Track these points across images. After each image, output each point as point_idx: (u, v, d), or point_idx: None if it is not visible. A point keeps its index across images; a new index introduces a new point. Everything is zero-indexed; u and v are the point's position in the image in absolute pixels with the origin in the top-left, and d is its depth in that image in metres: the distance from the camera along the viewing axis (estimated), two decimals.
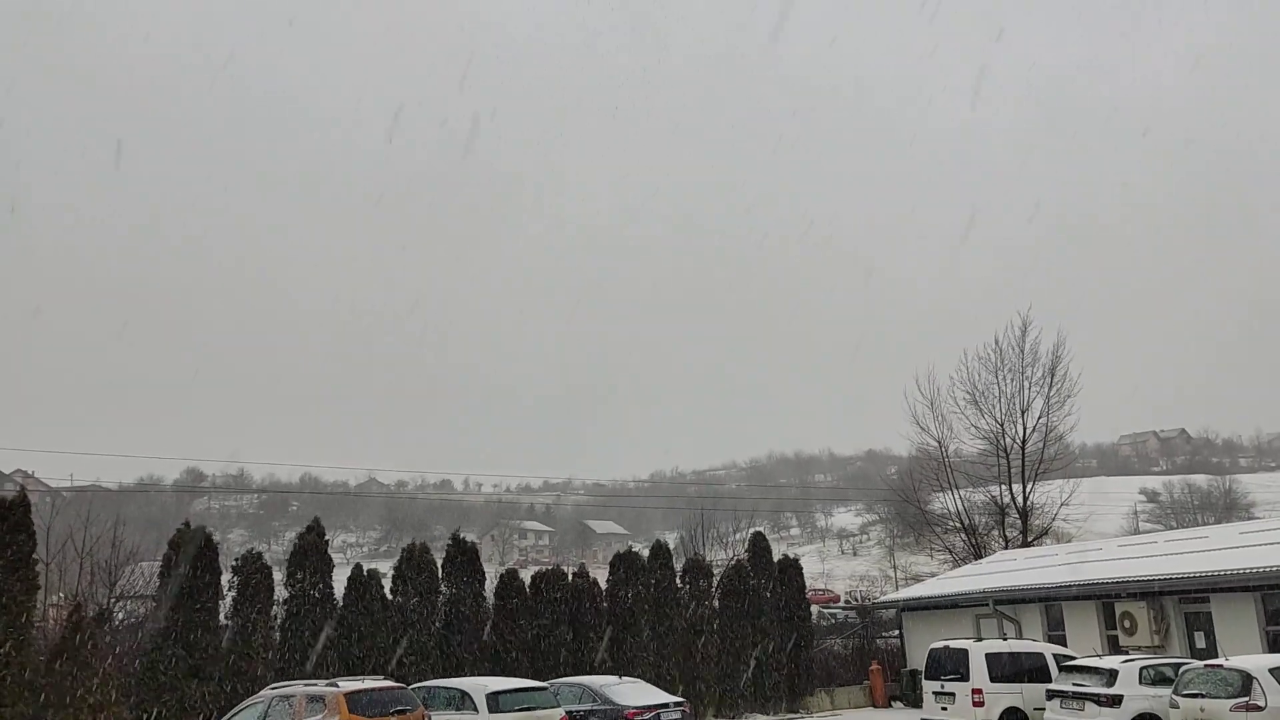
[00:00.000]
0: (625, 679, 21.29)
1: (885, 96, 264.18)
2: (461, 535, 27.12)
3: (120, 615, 25.01)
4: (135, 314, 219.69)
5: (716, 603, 29.08)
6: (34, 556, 18.68)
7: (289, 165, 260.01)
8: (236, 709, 17.23)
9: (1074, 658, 20.91)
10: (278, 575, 23.29)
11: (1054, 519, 40.38)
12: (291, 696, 16.14)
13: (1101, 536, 43.99)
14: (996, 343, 39.81)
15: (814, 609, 38.14)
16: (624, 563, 28.01)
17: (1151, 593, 23.19)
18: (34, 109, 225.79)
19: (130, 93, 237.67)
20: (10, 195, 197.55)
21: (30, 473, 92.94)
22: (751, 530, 37.86)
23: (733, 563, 31.87)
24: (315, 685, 16.41)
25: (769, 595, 29.87)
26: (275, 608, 22.76)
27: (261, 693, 17.39)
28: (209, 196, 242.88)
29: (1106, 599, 24.62)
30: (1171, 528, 71.12)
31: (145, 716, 19.99)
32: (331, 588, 23.51)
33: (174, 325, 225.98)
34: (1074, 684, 18.53)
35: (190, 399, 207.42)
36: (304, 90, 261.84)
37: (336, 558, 25.18)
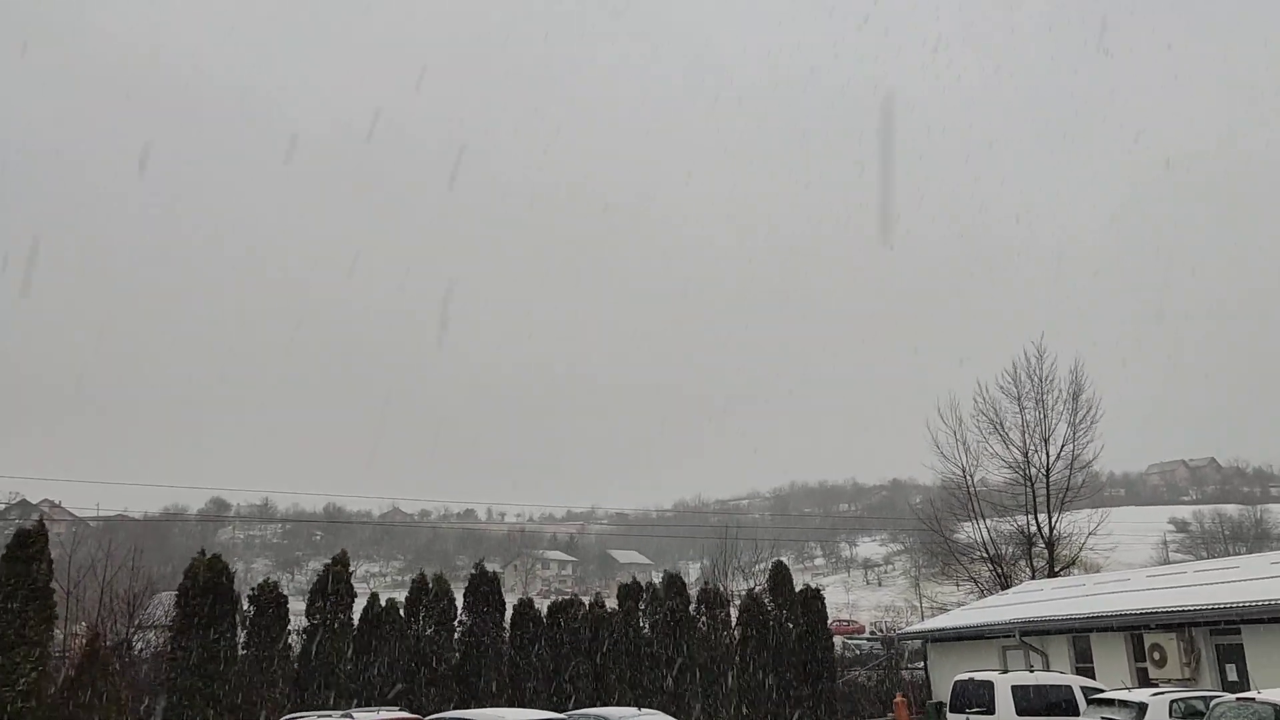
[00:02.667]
0: (645, 710, 20.97)
1: (915, 121, 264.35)
2: (486, 566, 27.02)
3: (139, 645, 25.06)
4: (163, 344, 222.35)
5: (737, 633, 28.77)
6: (51, 586, 18.80)
7: (312, 190, 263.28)
8: None
9: (1102, 690, 20.44)
10: (300, 605, 23.31)
11: (1081, 549, 39.78)
12: None
13: (1130, 567, 43.22)
14: (1014, 370, 39.50)
15: (838, 640, 37.68)
16: (632, 593, 27.76)
17: (1181, 624, 22.70)
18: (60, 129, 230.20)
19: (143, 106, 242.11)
20: (33, 222, 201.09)
21: (57, 502, 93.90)
22: (773, 560, 37.53)
23: (754, 592, 31.55)
24: (330, 715, 16.34)
25: (790, 626, 29.51)
26: (293, 637, 22.74)
27: None
28: (235, 225, 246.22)
29: (1135, 630, 24.13)
30: (1201, 558, 69.85)
31: None
32: (351, 618, 23.48)
33: (201, 355, 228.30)
34: (1102, 717, 18.09)
35: (216, 429, 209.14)
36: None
37: (360, 587, 25.22)
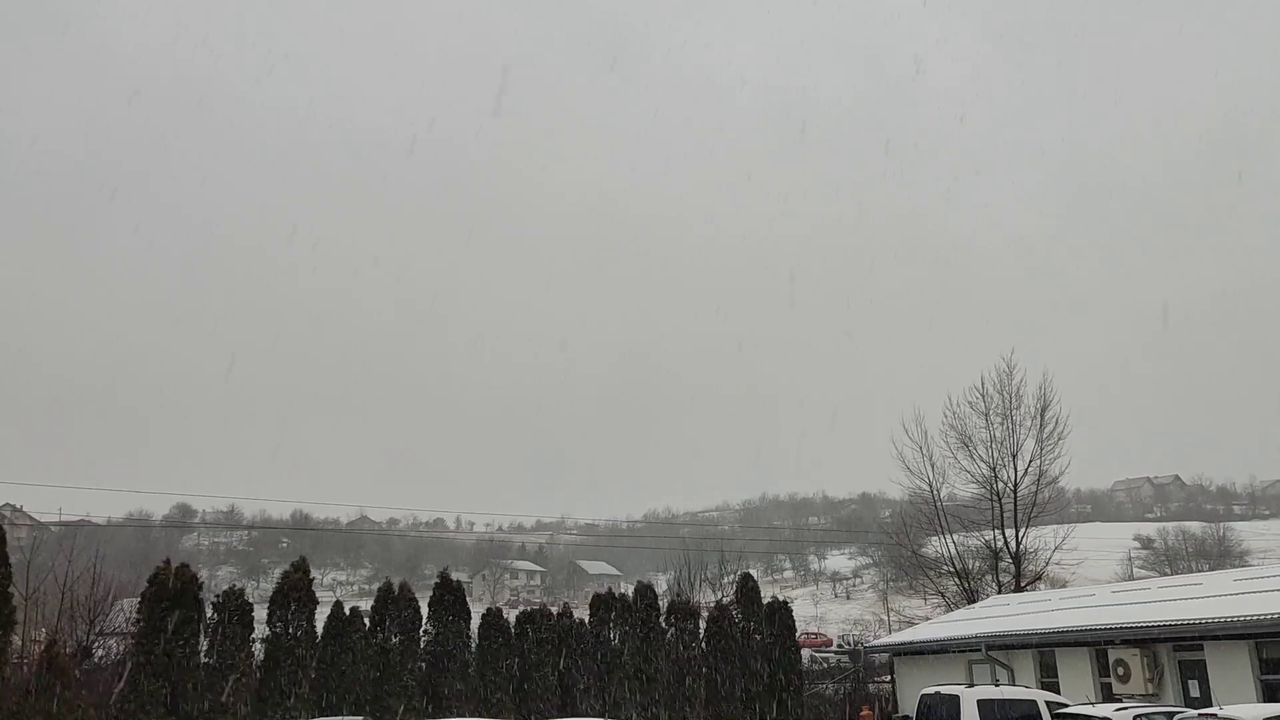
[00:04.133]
0: None
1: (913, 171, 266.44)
2: (451, 574, 26.84)
3: (100, 652, 24.63)
4: (130, 348, 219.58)
5: (704, 644, 28.74)
6: (10, 591, 18.37)
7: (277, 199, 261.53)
8: None
9: (1067, 705, 20.58)
10: (264, 612, 23.03)
11: (1047, 564, 40.10)
12: None
13: (1095, 582, 43.63)
14: (982, 385, 39.76)
15: (805, 652, 37.72)
16: (606, 603, 27.69)
17: (1145, 640, 22.91)
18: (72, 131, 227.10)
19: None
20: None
21: (19, 506, 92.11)
22: (741, 572, 37.54)
23: (723, 603, 31.53)
24: None
25: (758, 638, 29.52)
26: (256, 645, 22.46)
27: None
28: (201, 225, 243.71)
29: (1100, 646, 24.32)
30: (1165, 574, 70.60)
31: None
32: (314, 626, 23.24)
33: (168, 359, 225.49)
34: None
35: (183, 435, 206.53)
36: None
37: (326, 595, 24.97)
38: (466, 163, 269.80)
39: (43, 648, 20.16)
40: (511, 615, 26.95)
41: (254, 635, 22.49)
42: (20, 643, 23.22)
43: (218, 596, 22.79)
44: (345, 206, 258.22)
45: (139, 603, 21.48)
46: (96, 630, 25.25)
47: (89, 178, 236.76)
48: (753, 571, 36.27)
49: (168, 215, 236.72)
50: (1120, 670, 23.19)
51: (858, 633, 73.19)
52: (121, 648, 23.90)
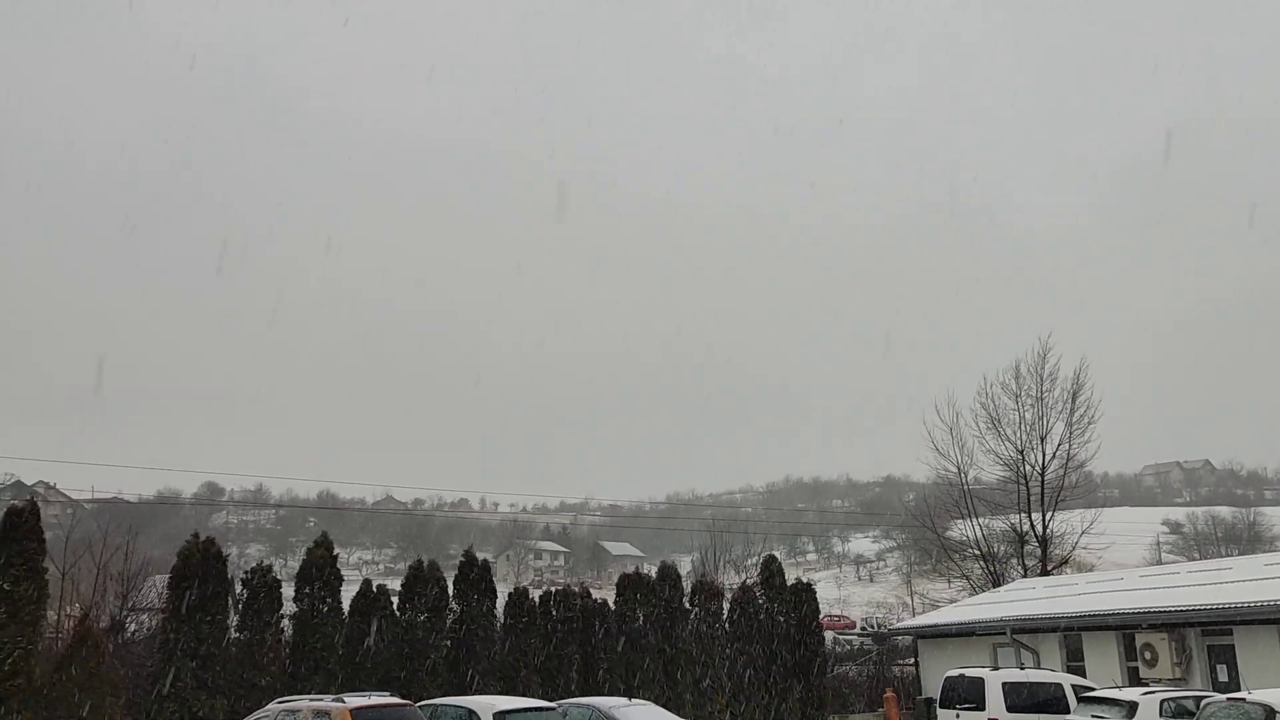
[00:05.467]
0: (635, 701, 21.03)
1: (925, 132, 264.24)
2: (476, 554, 26.99)
3: (132, 627, 25.02)
4: (162, 330, 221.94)
5: (728, 626, 28.81)
6: (44, 566, 18.65)
7: (301, 181, 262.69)
8: None
9: (1093, 689, 20.51)
10: (291, 590, 23.28)
11: (1074, 548, 39.88)
12: (297, 711, 16.05)
13: (1122, 567, 43.33)
14: (1016, 368, 39.57)
15: (829, 635, 37.72)
16: (632, 584, 27.80)
17: (1173, 624, 22.77)
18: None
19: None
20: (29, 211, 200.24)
21: (53, 484, 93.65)
22: (765, 554, 37.57)
23: (746, 585, 31.56)
24: (321, 700, 16.31)
25: (781, 619, 29.56)
26: (284, 621, 22.72)
27: (268, 706, 17.32)
28: (226, 212, 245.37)
29: (1127, 630, 24.19)
30: (1194, 559, 70.07)
31: None
32: (340, 603, 23.46)
33: (199, 341, 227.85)
34: (1093, 715, 18.13)
35: (212, 415, 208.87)
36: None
37: (352, 574, 25.18)
38: (498, 156, 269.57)
39: (77, 621, 20.48)
40: (536, 595, 27.09)
41: (282, 611, 22.73)
42: (56, 617, 23.64)
43: (246, 573, 23.04)
44: (373, 194, 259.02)
45: (169, 578, 21.75)
46: (129, 605, 25.65)
47: (137, 173, 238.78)
48: (776, 553, 36.21)
49: (201, 206, 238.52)
50: (1148, 654, 23.06)
51: (881, 615, 73.21)
52: (154, 622, 24.26)
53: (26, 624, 17.91)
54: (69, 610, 25.76)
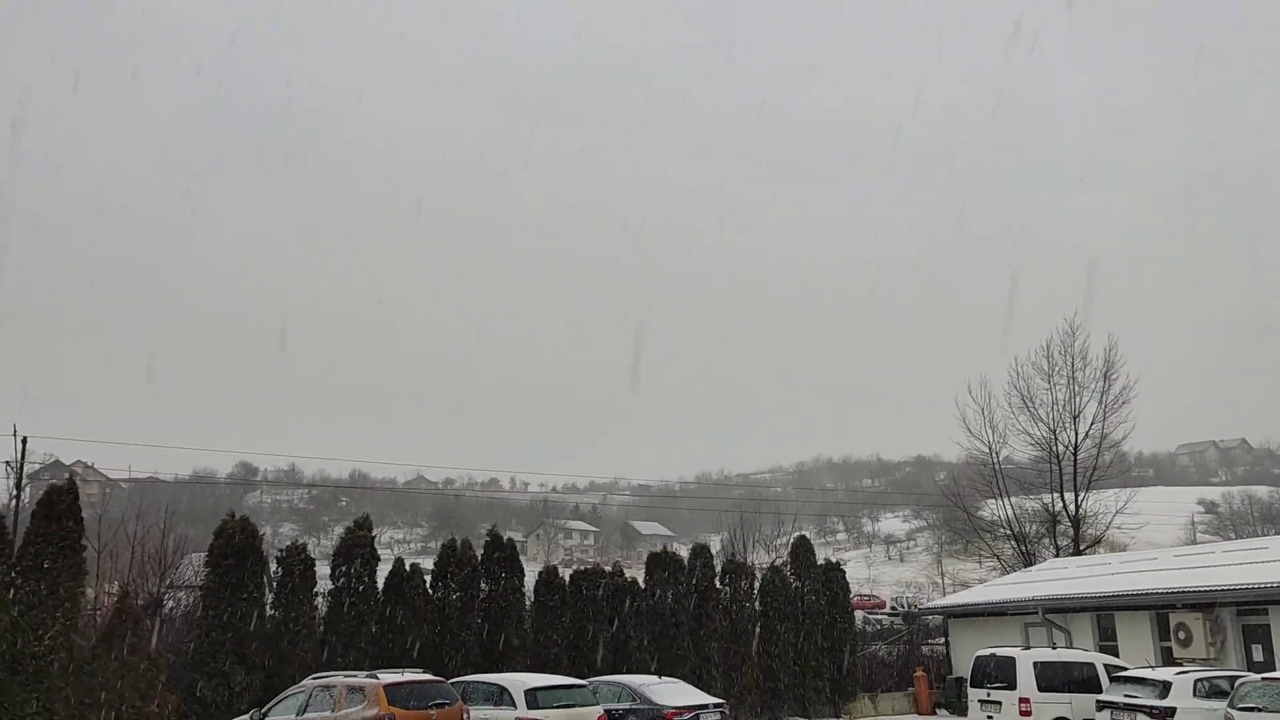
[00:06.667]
0: (665, 679, 21.17)
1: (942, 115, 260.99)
2: (506, 534, 27.18)
3: (170, 604, 25.46)
4: (199, 313, 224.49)
5: (758, 605, 28.87)
6: (82, 544, 18.98)
7: (324, 169, 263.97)
8: (279, 697, 17.43)
9: (1126, 668, 20.39)
10: (324, 569, 23.58)
11: (1107, 528, 39.56)
12: (332, 687, 16.26)
13: (1156, 547, 42.90)
14: (1047, 347, 39.24)
15: (858, 614, 37.70)
16: (661, 563, 27.89)
17: (1208, 604, 22.56)
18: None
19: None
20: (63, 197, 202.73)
21: (90, 464, 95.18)
22: (795, 534, 37.55)
23: (776, 564, 31.60)
24: (355, 676, 16.52)
25: (812, 598, 29.58)
26: (319, 599, 23.03)
27: (303, 682, 17.56)
28: (253, 203, 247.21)
29: (1161, 610, 24.00)
30: (1229, 539, 69.20)
31: (194, 701, 20.33)
32: (375, 582, 23.73)
33: (233, 322, 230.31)
34: (1125, 695, 18.05)
35: (244, 395, 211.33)
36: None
37: (383, 553, 25.44)
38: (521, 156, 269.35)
39: (116, 598, 20.86)
40: (566, 574, 27.26)
41: (316, 590, 23.03)
42: (94, 594, 24.08)
43: (281, 551, 23.35)
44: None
45: (206, 556, 22.09)
46: (167, 583, 26.07)
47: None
48: (806, 533, 36.18)
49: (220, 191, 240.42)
50: (1181, 634, 22.88)
51: (911, 595, 73.06)
52: (190, 599, 24.66)
53: (65, 601, 18.25)
54: (107, 588, 26.25)
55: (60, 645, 17.99)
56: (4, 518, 19.32)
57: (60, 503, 18.67)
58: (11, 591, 17.94)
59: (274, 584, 22.41)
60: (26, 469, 34.81)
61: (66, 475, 21.50)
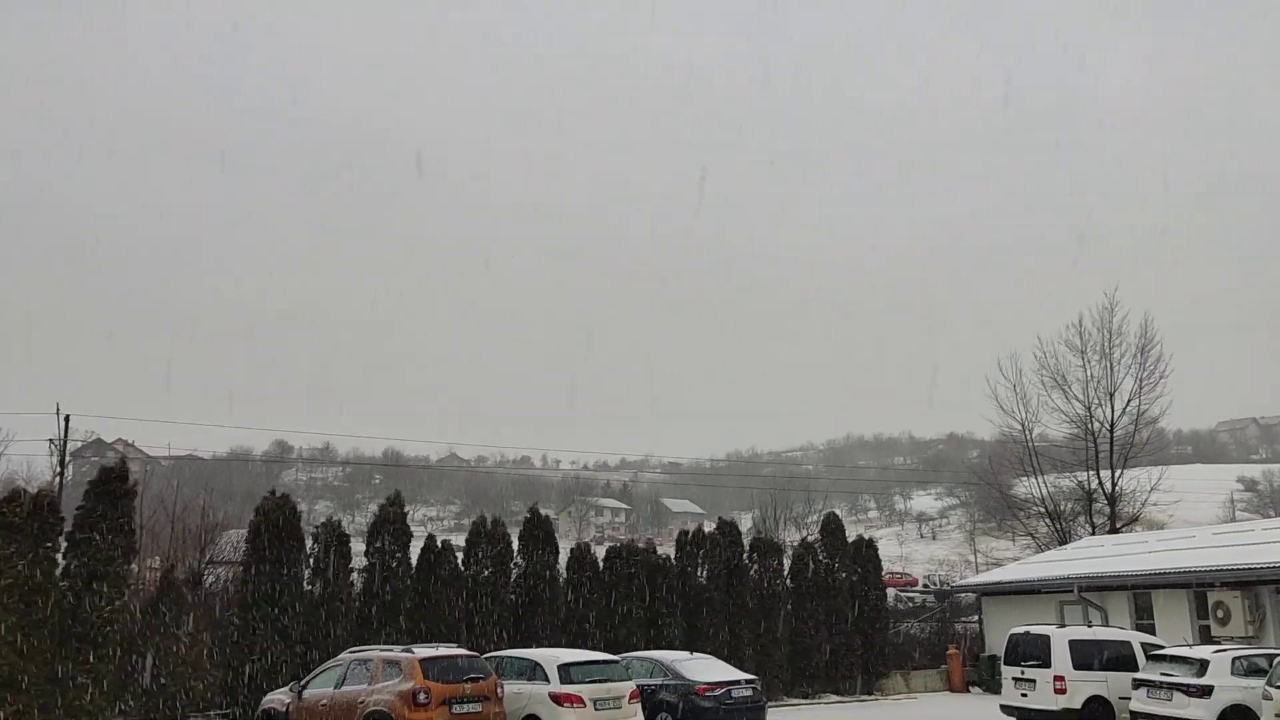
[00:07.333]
0: (697, 655, 21.29)
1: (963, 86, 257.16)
2: (539, 510, 27.39)
3: (210, 579, 25.98)
4: (233, 290, 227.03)
5: (789, 582, 28.91)
6: (133, 523, 19.77)
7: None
8: (317, 670, 17.79)
9: (1163, 647, 20.21)
10: (358, 545, 23.91)
11: (1144, 505, 39.13)
12: (369, 660, 16.55)
13: (1194, 525, 42.41)
14: (1080, 323, 38.71)
15: (890, 592, 37.65)
16: (693, 540, 27.98)
17: (1247, 582, 22.32)
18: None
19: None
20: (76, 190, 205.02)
21: (130, 441, 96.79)
22: (826, 511, 37.49)
23: (807, 541, 31.59)
24: (392, 650, 16.78)
25: (843, 575, 29.58)
26: (354, 575, 23.38)
27: (341, 655, 17.89)
28: (280, 189, 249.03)
29: (1199, 588, 23.78)
30: (1269, 517, 68.25)
31: (235, 673, 20.80)
32: (409, 558, 24.03)
33: (267, 300, 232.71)
34: (1162, 673, 17.90)
35: (281, 372, 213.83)
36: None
37: (416, 530, 25.72)
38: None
39: (160, 574, 21.41)
40: (599, 551, 27.44)
41: (351, 566, 23.38)
42: (137, 569, 24.67)
43: (316, 528, 23.69)
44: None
45: (247, 532, 22.52)
46: (207, 559, 26.59)
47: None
48: (837, 511, 36.13)
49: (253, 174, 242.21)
50: (1220, 613, 22.67)
51: (944, 573, 72.81)
52: (229, 575, 25.14)
53: (117, 577, 19.03)
54: (149, 563, 26.82)
55: (115, 619, 18.75)
56: (54, 496, 20.08)
57: (114, 482, 19.54)
58: (61, 566, 18.64)
59: (310, 560, 22.78)
60: (69, 447, 35.51)
61: (113, 454, 22.26)
